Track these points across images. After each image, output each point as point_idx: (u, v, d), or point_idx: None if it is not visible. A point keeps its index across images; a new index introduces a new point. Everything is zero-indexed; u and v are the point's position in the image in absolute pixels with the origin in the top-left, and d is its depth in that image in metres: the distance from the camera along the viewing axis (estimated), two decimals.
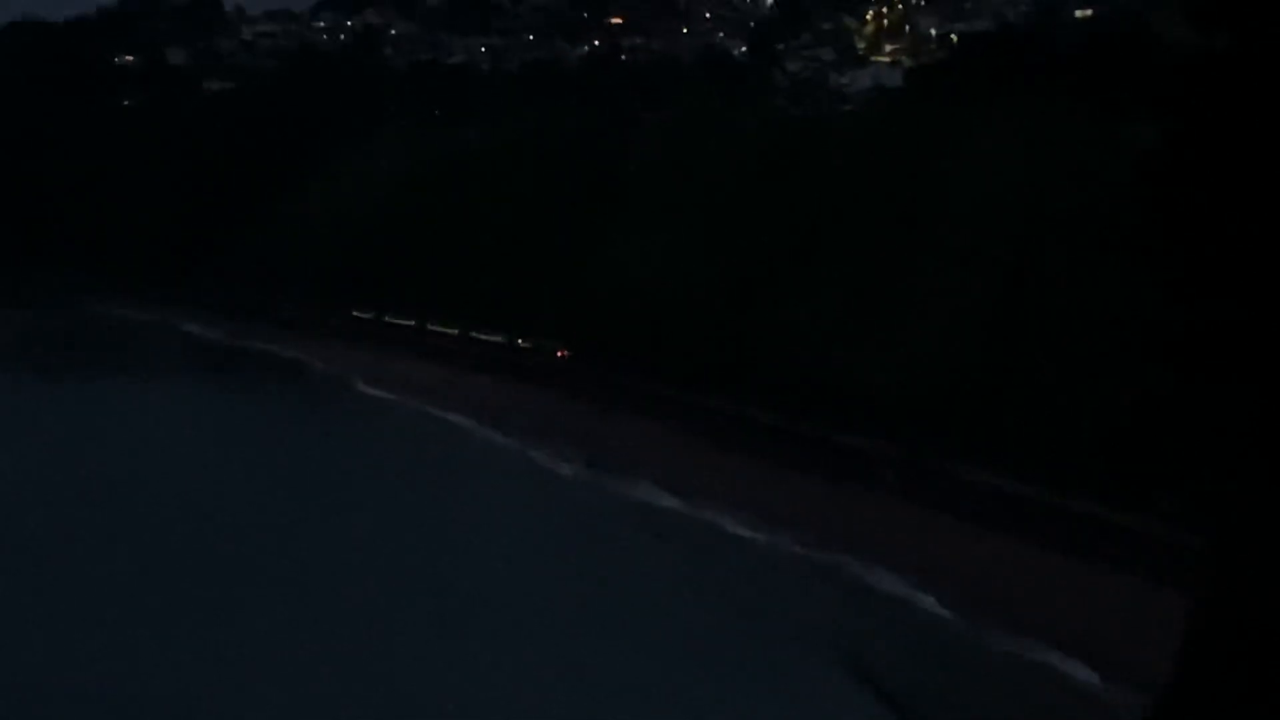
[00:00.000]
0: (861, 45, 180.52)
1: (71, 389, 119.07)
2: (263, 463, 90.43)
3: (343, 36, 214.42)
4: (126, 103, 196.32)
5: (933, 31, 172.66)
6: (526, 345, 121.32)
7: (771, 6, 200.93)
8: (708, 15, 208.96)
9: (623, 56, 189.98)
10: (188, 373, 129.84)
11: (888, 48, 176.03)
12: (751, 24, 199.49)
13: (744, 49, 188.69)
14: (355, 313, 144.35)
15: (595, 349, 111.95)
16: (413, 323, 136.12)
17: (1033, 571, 63.48)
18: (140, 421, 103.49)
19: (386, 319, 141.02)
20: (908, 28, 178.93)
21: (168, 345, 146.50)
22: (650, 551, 71.11)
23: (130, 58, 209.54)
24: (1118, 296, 68.01)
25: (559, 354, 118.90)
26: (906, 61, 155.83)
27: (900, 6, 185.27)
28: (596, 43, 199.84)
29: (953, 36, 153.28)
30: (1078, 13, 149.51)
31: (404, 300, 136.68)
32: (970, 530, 69.68)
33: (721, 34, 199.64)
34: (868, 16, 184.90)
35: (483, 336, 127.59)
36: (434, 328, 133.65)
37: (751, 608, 61.88)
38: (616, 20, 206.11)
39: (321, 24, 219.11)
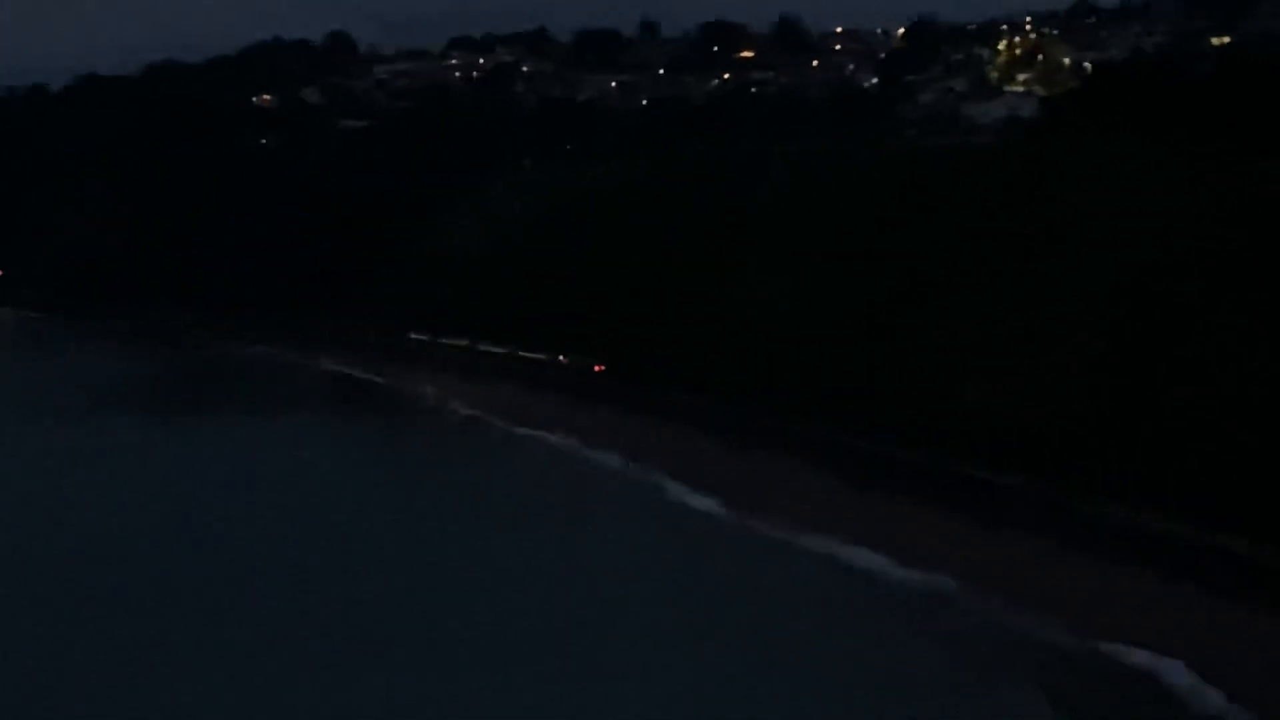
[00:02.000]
0: (994, 75, 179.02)
1: (213, 426, 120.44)
2: (412, 503, 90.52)
3: (474, 74, 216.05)
4: (264, 142, 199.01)
5: (1066, 61, 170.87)
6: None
7: (902, 38, 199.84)
8: (837, 48, 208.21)
9: (752, 91, 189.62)
10: (322, 409, 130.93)
11: (1020, 78, 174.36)
12: (882, 56, 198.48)
13: (874, 81, 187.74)
14: (483, 346, 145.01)
15: (720, 383, 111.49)
16: (543, 356, 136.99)
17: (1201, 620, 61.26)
18: (275, 458, 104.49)
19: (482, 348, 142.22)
20: (1040, 57, 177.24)
21: (304, 381, 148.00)
22: (811, 598, 69.40)
23: (267, 97, 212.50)
24: (1253, 328, 66.81)
25: (595, 369, 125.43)
26: (1039, 91, 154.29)
27: (1033, 36, 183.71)
28: (725, 77, 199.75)
29: (1086, 66, 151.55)
30: (1214, 40, 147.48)
31: (532, 335, 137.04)
32: (1123, 570, 67.83)
33: (851, 66, 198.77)
34: (1000, 46, 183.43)
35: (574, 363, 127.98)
36: (561, 359, 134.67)
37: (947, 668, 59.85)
38: (745, 55, 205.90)
39: (453, 62, 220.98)
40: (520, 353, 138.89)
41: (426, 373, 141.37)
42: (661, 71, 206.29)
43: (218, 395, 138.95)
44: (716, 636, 62.37)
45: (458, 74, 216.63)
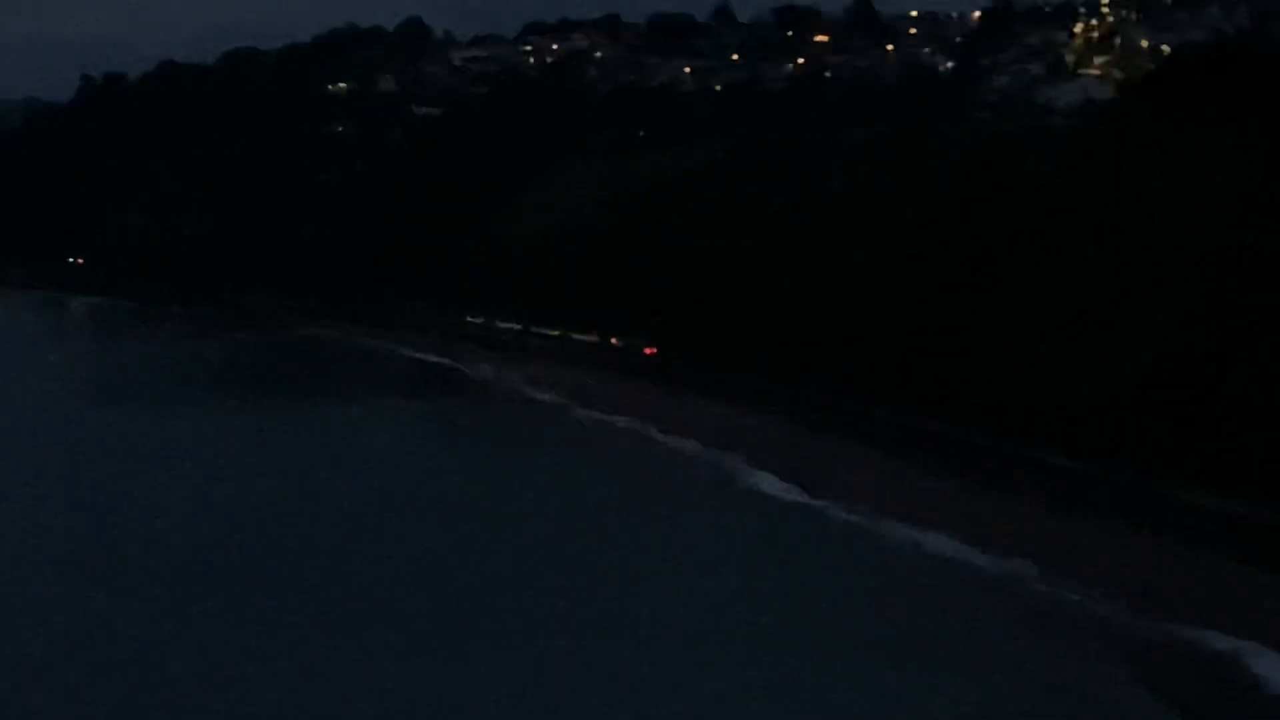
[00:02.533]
0: (1070, 58, 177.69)
1: (296, 409, 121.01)
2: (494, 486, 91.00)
3: (548, 60, 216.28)
4: (339, 129, 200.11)
5: (1144, 43, 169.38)
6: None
7: (978, 21, 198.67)
8: (912, 31, 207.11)
9: (826, 75, 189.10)
10: (398, 392, 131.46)
11: (1097, 60, 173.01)
12: (957, 39, 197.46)
13: (950, 65, 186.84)
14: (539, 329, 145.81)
15: (791, 369, 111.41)
16: (596, 338, 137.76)
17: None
18: (356, 442, 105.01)
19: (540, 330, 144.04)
20: (1118, 40, 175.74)
21: (379, 365, 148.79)
22: (893, 586, 69.04)
23: (342, 85, 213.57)
24: None
25: (646, 351, 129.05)
26: (1116, 74, 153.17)
27: (1110, 18, 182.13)
28: (799, 62, 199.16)
29: (1164, 48, 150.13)
30: None
31: (599, 319, 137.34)
32: (1203, 555, 67.13)
33: (926, 50, 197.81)
34: (1076, 29, 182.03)
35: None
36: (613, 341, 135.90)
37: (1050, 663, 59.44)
38: (820, 39, 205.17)
39: (527, 48, 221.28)
40: (572, 334, 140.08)
41: (496, 356, 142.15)
42: (735, 57, 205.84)
43: (295, 378, 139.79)
44: (802, 624, 62.15)
45: (531, 60, 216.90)
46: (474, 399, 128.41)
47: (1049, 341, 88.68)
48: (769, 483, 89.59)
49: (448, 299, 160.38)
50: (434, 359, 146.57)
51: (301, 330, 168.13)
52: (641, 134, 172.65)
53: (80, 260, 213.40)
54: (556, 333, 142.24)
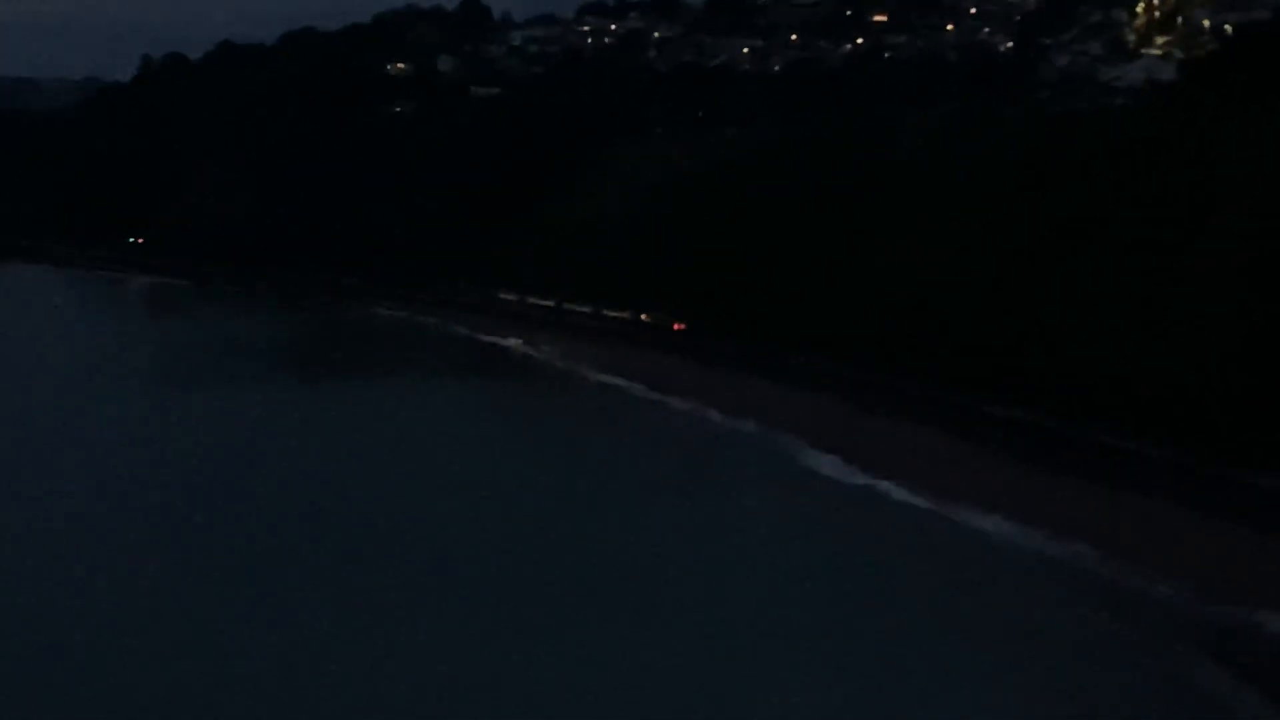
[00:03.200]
0: (1131, 38, 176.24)
1: (352, 388, 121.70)
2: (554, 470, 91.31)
3: (606, 40, 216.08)
4: (397, 110, 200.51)
5: (1206, 23, 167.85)
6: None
7: (1038, 0, 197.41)
8: (973, 11, 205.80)
9: (886, 55, 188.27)
10: (457, 372, 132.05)
11: (1159, 40, 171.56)
12: (1017, 19, 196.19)
13: (1009, 44, 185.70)
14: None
15: (848, 349, 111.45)
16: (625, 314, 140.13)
17: None
18: (413, 421, 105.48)
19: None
20: (1180, 19, 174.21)
21: (435, 345, 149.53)
22: (958, 571, 68.85)
23: (401, 65, 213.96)
24: None
25: (675, 327, 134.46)
26: (1179, 54, 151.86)
27: None
28: (859, 41, 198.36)
29: (1227, 27, 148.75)
30: None
31: (662, 301, 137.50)
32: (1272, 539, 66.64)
33: (987, 29, 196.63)
34: (1138, 8, 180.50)
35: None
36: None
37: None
38: (879, 18, 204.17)
39: (585, 28, 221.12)
40: (604, 312, 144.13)
41: (545, 334, 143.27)
42: (794, 36, 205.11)
43: (352, 357, 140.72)
44: (883, 613, 62.09)
45: (589, 40, 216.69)
46: (533, 381, 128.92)
47: (1114, 324, 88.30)
48: (827, 464, 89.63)
49: (506, 280, 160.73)
50: (489, 339, 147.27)
51: (354, 310, 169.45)
52: (700, 114, 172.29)
53: (140, 240, 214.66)
54: (588, 310, 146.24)
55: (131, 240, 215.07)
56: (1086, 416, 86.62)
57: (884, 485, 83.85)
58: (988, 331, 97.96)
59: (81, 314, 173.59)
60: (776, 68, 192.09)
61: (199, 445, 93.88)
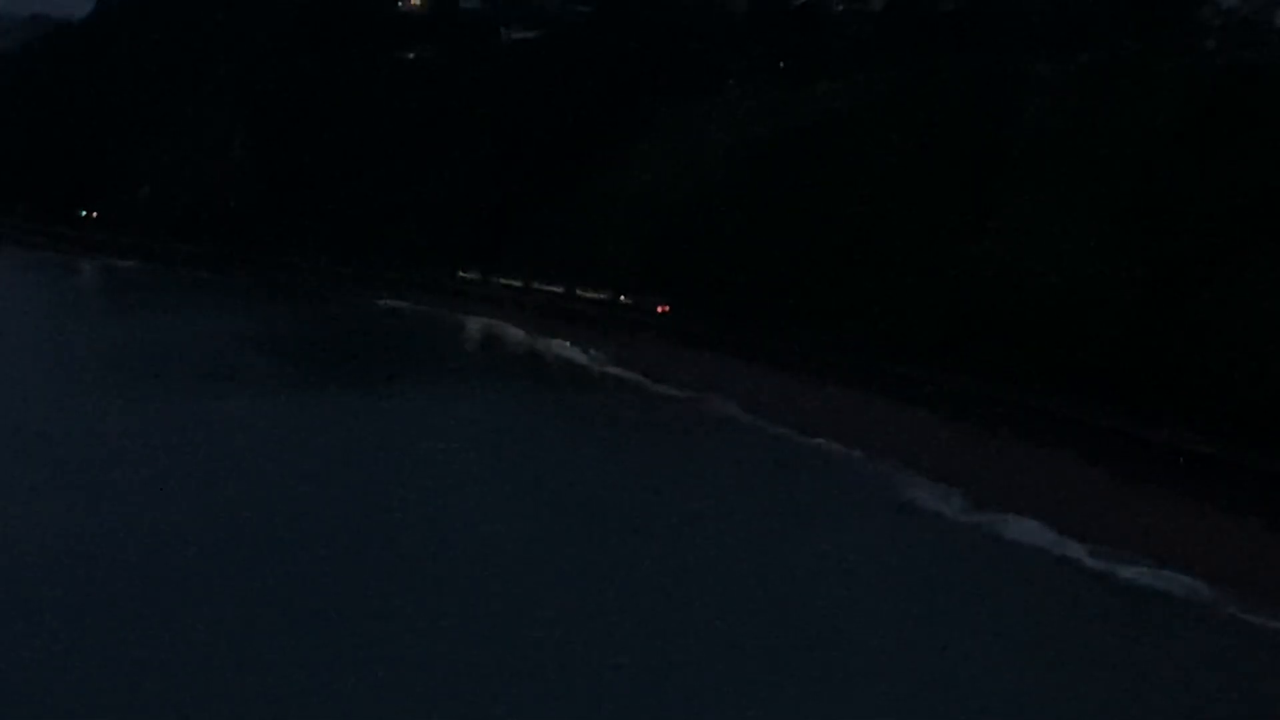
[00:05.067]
0: None
1: (383, 401, 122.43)
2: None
3: None
4: (411, 56, 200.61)
5: None
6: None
7: None
8: None
9: None
10: (485, 376, 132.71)
11: None
12: None
13: None
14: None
15: (969, 357, 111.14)
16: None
17: None
18: (427, 444, 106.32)
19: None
20: None
21: (458, 349, 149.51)
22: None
23: (416, 3, 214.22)
24: None
25: (659, 310, 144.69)
26: None
27: None
28: None
29: None
30: None
31: (741, 296, 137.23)
32: None
33: None
34: None
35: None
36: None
37: None
38: None
39: None
40: (578, 292, 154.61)
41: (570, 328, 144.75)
42: None
43: (350, 362, 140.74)
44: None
45: None
46: (581, 392, 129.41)
47: None
48: (930, 496, 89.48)
49: (544, 270, 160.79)
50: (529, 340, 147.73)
51: (354, 301, 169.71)
52: (783, 65, 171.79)
53: (94, 214, 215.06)
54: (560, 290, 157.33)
55: (84, 214, 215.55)
56: (1259, 439, 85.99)
57: (999, 520, 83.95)
58: (1138, 335, 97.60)
59: (19, 308, 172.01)
60: (878, 7, 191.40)
61: (180, 467, 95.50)
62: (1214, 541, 78.10)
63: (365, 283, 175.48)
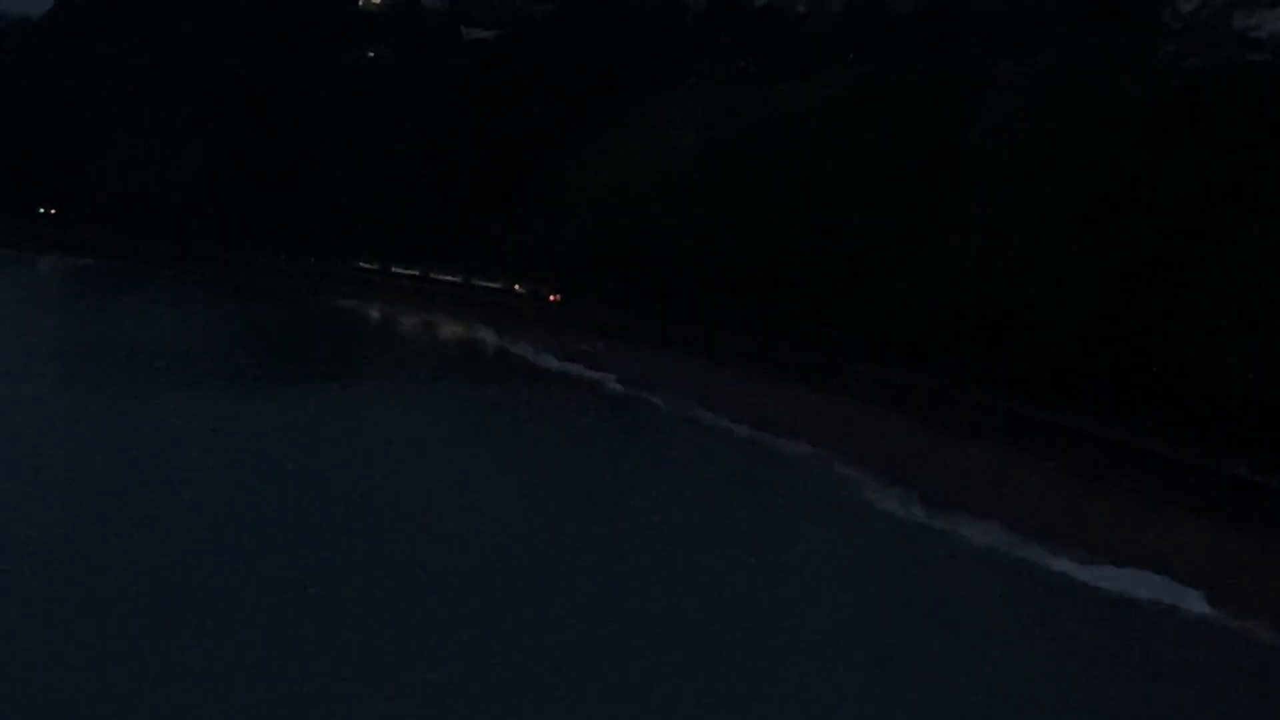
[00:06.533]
0: None
1: (309, 402, 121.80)
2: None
3: None
4: (371, 55, 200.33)
5: None
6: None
7: None
8: None
9: None
10: (448, 376, 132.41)
11: None
12: None
13: None
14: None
15: (928, 354, 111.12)
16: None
17: None
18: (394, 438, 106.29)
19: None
20: None
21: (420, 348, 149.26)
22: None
23: (377, 1, 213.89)
24: None
25: (550, 298, 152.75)
26: None
27: None
28: None
29: None
30: None
31: (699, 294, 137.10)
32: None
33: None
34: None
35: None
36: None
37: None
38: None
39: None
40: (475, 282, 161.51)
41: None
42: None
43: (310, 366, 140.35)
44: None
45: None
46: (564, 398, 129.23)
47: (1247, 326, 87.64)
48: (890, 499, 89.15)
49: (500, 266, 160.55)
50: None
51: (316, 301, 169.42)
52: (743, 64, 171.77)
53: (53, 210, 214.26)
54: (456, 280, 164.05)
55: (42, 211, 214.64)
56: (1211, 440, 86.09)
57: (959, 527, 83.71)
58: (1095, 334, 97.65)
59: None
60: (839, 6, 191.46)
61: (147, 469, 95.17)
62: (1177, 542, 78.22)
63: (321, 279, 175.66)
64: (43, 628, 65.70)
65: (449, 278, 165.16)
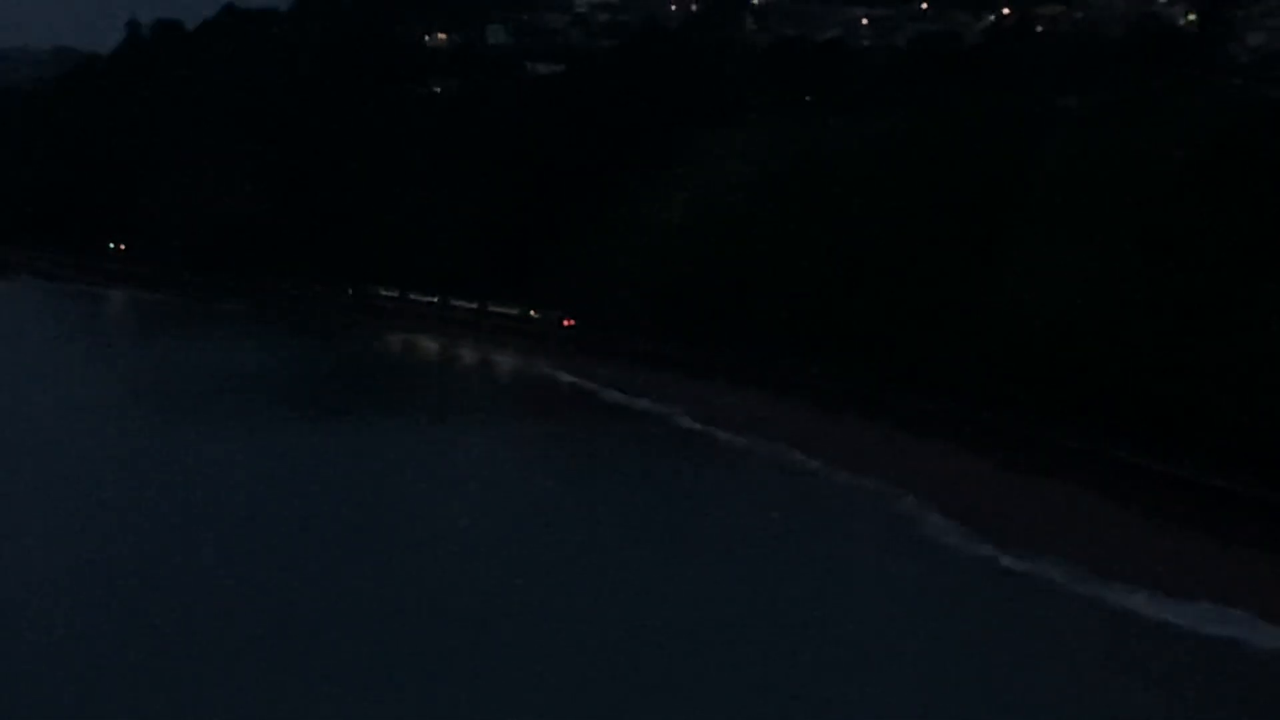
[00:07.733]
0: None
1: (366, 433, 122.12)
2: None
3: (693, 7, 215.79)
4: (437, 90, 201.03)
5: None
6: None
7: None
8: None
9: (1038, 29, 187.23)
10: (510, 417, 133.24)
11: None
12: None
13: (1191, 17, 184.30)
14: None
15: (990, 389, 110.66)
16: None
17: None
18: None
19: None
20: None
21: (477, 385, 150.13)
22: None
23: (443, 36, 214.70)
24: None
25: (565, 323, 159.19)
26: None
27: None
28: (1005, 12, 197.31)
29: None
30: None
31: (757, 327, 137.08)
32: None
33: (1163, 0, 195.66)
34: None
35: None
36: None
37: None
38: None
39: None
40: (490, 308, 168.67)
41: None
42: (925, 5, 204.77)
43: (368, 399, 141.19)
44: None
45: (673, 7, 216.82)
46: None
47: None
48: (960, 538, 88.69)
49: (562, 300, 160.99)
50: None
51: (377, 338, 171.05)
52: (807, 98, 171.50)
53: (122, 246, 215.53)
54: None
55: (112, 246, 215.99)
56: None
57: (1034, 566, 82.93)
58: (1157, 370, 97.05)
59: (48, 339, 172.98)
60: (902, 43, 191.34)
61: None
62: (1249, 577, 77.65)
63: (382, 313, 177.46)
64: (106, 649, 67.62)
65: (507, 310, 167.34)
